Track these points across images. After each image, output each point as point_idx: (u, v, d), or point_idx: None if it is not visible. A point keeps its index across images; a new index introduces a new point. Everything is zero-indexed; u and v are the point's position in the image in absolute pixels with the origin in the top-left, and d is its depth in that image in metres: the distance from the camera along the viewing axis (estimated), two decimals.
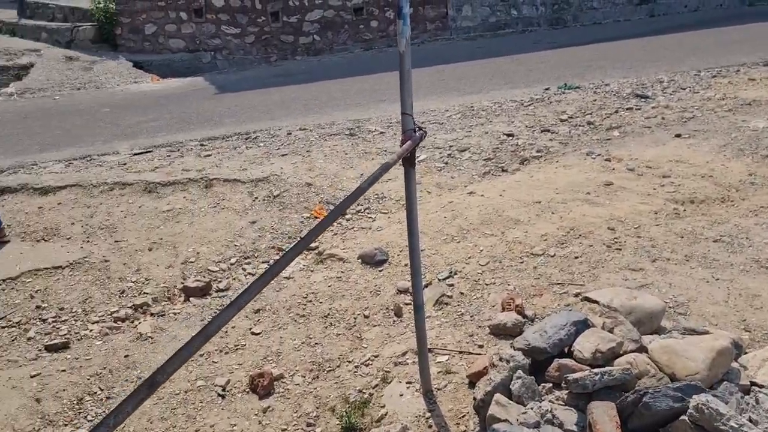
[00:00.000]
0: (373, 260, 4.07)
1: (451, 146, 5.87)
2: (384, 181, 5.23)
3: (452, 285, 3.69)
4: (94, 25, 11.49)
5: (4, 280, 4.16)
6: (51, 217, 4.97)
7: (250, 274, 4.23)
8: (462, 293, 3.62)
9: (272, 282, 3.94)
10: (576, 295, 3.34)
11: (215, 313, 3.79)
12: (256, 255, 4.42)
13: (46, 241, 4.68)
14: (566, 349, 2.58)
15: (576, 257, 3.72)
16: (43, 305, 3.92)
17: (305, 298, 3.84)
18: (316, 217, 4.79)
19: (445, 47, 11.68)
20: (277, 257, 4.40)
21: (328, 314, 3.65)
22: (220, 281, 4.15)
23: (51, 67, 10.61)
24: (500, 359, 2.53)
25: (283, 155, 5.87)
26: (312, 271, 4.17)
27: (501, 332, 3.16)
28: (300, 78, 9.83)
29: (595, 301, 3.10)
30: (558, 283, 3.48)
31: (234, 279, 4.18)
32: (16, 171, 5.99)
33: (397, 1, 2.25)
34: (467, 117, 6.77)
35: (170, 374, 1.46)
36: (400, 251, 4.15)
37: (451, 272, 3.81)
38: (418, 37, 12.34)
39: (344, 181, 5.24)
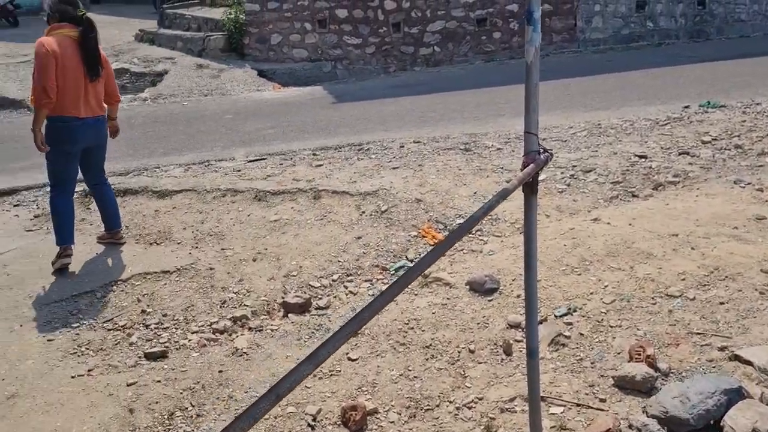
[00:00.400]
0: (482, 288, 3.75)
1: (574, 166, 5.41)
2: None
3: (571, 324, 3.29)
4: (224, 34, 11.94)
5: (115, 282, 4.23)
6: (165, 220, 5.05)
7: (351, 293, 4.03)
8: (582, 334, 3.21)
9: None
10: (721, 350, 2.84)
11: (312, 332, 3.63)
12: (359, 273, 4.22)
13: (158, 244, 4.74)
14: (713, 422, 2.14)
15: (721, 303, 3.21)
16: (148, 310, 3.93)
17: (407, 324, 3.58)
18: (423, 236, 4.54)
19: (571, 60, 11.10)
20: (381, 277, 4.18)
21: (430, 345, 3.37)
22: (320, 298, 3.98)
23: (183, 74, 11.12)
24: (630, 426, 2.13)
25: (394, 168, 5.67)
26: (416, 294, 3.91)
27: (627, 386, 2.74)
28: (417, 89, 9.65)
29: (748, 362, 2.61)
30: (699, 333, 3.00)
31: (335, 297, 4.00)
32: (140, 173, 6.21)
33: (527, 6, 1.94)
34: (594, 135, 6.27)
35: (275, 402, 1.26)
36: (513, 280, 3.79)
37: (569, 309, 3.41)
38: (543, 50, 11.77)
39: (456, 199, 4.94)
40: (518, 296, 3.64)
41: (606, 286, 3.54)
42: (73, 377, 3.33)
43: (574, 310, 3.39)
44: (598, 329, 3.23)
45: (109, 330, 3.76)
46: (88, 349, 3.59)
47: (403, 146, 6.33)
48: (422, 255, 4.33)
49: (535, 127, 2.16)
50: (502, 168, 5.49)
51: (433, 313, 3.64)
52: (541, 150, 2.21)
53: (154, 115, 9.07)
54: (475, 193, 5.04)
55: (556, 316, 3.37)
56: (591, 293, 3.51)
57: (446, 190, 5.11)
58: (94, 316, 3.89)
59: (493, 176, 5.33)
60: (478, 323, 3.47)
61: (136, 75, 11.32)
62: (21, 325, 3.82)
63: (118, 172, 6.22)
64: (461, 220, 4.67)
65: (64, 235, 4.33)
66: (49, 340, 3.67)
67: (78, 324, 3.82)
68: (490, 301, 3.66)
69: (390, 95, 9.39)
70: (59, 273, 4.29)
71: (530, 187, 2.21)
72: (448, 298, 3.76)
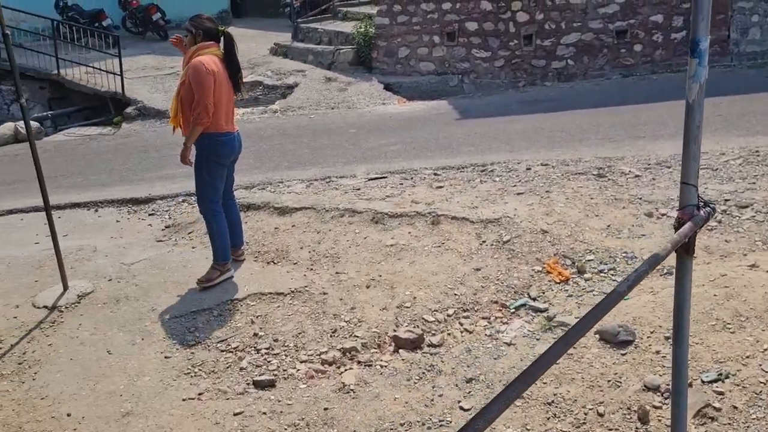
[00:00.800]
0: (614, 339, 3.36)
1: (727, 200, 4.81)
2: (636, 237, 4.44)
3: (722, 393, 2.84)
4: (354, 48, 12.08)
5: (232, 301, 4.24)
6: (284, 239, 5.05)
7: (466, 330, 3.77)
8: (735, 407, 2.76)
9: (490, 346, 3.43)
10: None
11: (423, 373, 3.41)
12: (476, 309, 3.95)
13: (275, 263, 4.73)
14: None
15: None
16: (260, 333, 3.89)
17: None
18: (549, 273, 4.18)
19: (723, 75, 10.11)
20: (500, 315, 3.89)
21: (552, 401, 3.04)
22: (433, 334, 3.76)
23: (311, 87, 11.36)
24: None
25: (518, 194, 5.33)
26: (537, 339, 3.59)
27: None
28: (547, 105, 9.19)
29: None
30: None
31: (449, 334, 3.76)
32: (264, 188, 6.30)
33: (692, 33, 1.61)
34: (751, 164, 5.57)
35: None
36: (652, 332, 3.37)
37: (720, 374, 2.95)
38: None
39: (586, 232, 4.54)
40: (657, 352, 3.22)
41: (766, 350, 3.04)
42: (184, 400, 3.33)
43: (726, 377, 2.93)
44: (755, 403, 2.76)
45: (222, 351, 3.76)
46: (201, 370, 3.60)
47: (529, 169, 5.97)
48: (545, 293, 3.99)
49: (694, 178, 1.82)
50: (640, 198, 5.00)
51: (557, 363, 3.29)
52: (701, 203, 1.86)
53: (282, 128, 9.29)
54: (608, 226, 4.61)
55: (703, 382, 2.92)
56: (747, 357, 3.02)
57: (576, 221, 4.72)
58: (209, 335, 3.91)
59: (629, 207, 4.86)
60: (609, 381, 3.10)
61: (269, 87, 11.70)
62: (142, 339, 3.92)
63: (244, 185, 6.35)
64: (592, 257, 4.27)
65: (227, 252, 4.46)
66: (166, 357, 3.72)
67: (194, 342, 3.85)
68: (623, 355, 3.27)
69: (518, 112, 9.01)
70: (205, 289, 4.34)
71: (686, 248, 1.86)
72: (574, 347, 3.40)
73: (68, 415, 3.26)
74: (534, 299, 3.97)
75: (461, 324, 3.84)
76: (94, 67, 11.43)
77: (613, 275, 4.09)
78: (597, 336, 3.41)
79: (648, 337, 3.33)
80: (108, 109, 11.35)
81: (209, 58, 4.18)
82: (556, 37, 11.16)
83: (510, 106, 9.52)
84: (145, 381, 3.51)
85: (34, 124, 10.41)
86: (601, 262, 4.20)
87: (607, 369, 3.18)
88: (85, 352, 3.81)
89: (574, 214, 4.83)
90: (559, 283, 4.09)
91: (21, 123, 8.86)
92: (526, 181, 5.67)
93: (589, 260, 4.23)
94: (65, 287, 4.45)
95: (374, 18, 11.95)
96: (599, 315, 1.66)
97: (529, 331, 3.67)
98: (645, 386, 2.99)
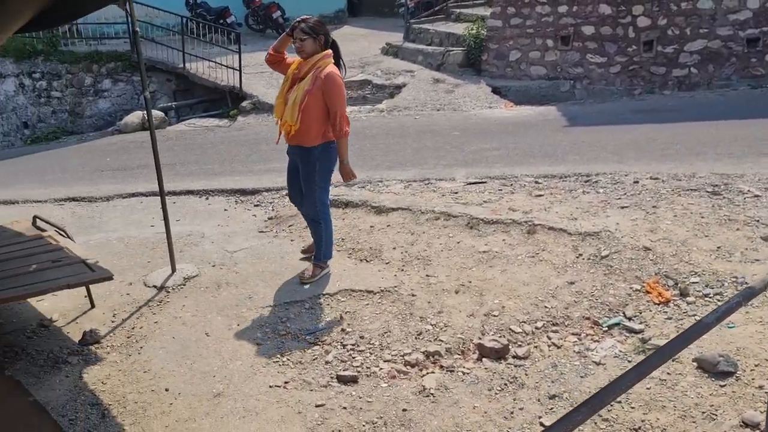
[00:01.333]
0: (714, 369, 3.16)
1: None
2: (749, 262, 4.14)
3: None
4: (464, 50, 12.02)
5: (323, 295, 4.37)
6: (378, 238, 5.13)
7: (554, 345, 3.68)
8: None
9: (577, 363, 3.34)
10: None
11: (505, 384, 3.36)
12: (566, 323, 3.84)
13: (368, 261, 4.82)
14: None
15: None
16: (347, 329, 3.99)
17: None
18: (648, 292, 3.99)
19: None
20: (591, 332, 3.76)
21: (639, 427, 2.91)
22: (519, 346, 3.69)
23: (419, 88, 11.42)
24: None
25: (622, 207, 5.12)
26: (629, 361, 3.44)
27: None
28: (663, 116, 8.73)
29: None
30: None
31: (535, 347, 3.68)
32: (363, 186, 6.42)
33: None
34: None
35: None
36: (756, 365, 3.15)
37: None
38: None
39: (693, 253, 4.28)
40: (760, 387, 3.01)
41: None
42: (270, 386, 3.48)
43: None
44: None
45: (310, 343, 3.88)
46: (288, 359, 3.74)
47: (637, 182, 5.71)
48: (642, 313, 3.82)
49: None
50: (757, 220, 4.65)
51: (648, 388, 3.15)
52: None
53: (387, 127, 9.41)
54: (718, 247, 4.33)
55: None
56: None
57: (683, 240, 4.47)
58: (300, 326, 4.05)
59: (744, 229, 4.54)
60: (704, 412, 2.92)
61: (377, 87, 11.88)
62: (238, 324, 4.12)
63: (345, 183, 6.50)
64: (697, 279, 4.03)
65: (331, 251, 4.63)
66: (258, 344, 3.90)
67: (285, 332, 4.01)
68: (722, 386, 3.07)
69: (630, 121, 8.62)
70: (306, 283, 4.48)
71: None
72: (668, 373, 3.24)
73: (166, 390, 3.49)
74: (629, 319, 3.80)
75: (549, 338, 3.74)
76: (216, 62, 12.08)
77: (719, 300, 3.84)
78: (695, 364, 3.23)
79: (751, 370, 3.11)
80: (226, 102, 11.97)
81: (335, 68, 4.19)
82: (680, 43, 10.58)
83: (623, 114, 9.13)
84: (236, 365, 3.70)
85: (158, 113, 11.19)
86: (706, 286, 3.95)
87: (702, 400, 3.00)
88: (185, 332, 4.06)
89: (681, 232, 4.58)
90: (658, 304, 3.90)
91: None
92: (632, 194, 5.43)
93: (693, 282, 4.00)
94: (173, 269, 4.77)
95: (487, 20, 11.83)
96: (681, 345, 1.59)
97: (620, 351, 3.52)
98: (743, 422, 2.80)
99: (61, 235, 4.56)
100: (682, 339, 1.54)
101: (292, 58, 4.35)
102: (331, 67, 4.14)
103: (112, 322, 4.22)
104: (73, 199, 6.90)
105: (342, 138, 4.21)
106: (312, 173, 4.35)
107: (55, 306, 4.42)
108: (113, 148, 9.97)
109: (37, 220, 4.91)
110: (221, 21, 14.40)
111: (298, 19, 4.16)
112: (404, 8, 14.57)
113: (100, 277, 3.87)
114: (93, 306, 4.39)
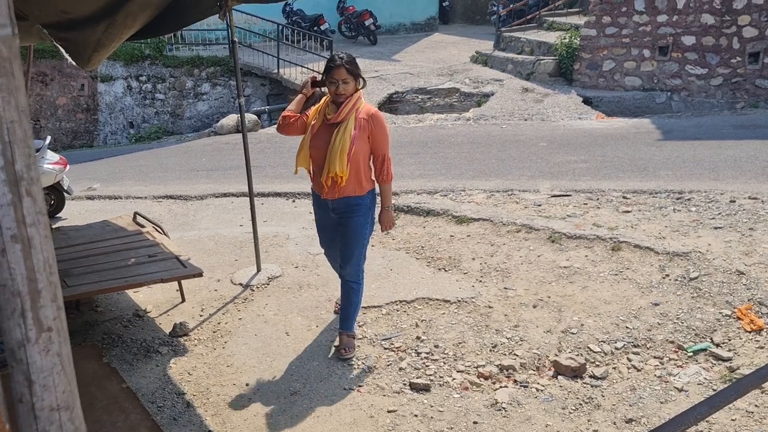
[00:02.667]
0: None
1: None
2: None
3: None
4: (555, 59, 11.82)
5: (401, 302, 4.43)
6: (458, 247, 5.14)
7: (634, 367, 3.57)
8: None
9: (658, 388, 3.24)
10: None
11: (580, 404, 3.30)
12: (648, 346, 3.72)
13: (446, 271, 4.85)
14: None
15: None
16: (422, 337, 4.03)
17: (694, 425, 3.02)
18: (739, 319, 3.80)
19: None
20: (675, 357, 3.63)
21: None
22: (597, 365, 3.61)
23: (507, 97, 11.32)
24: None
25: (716, 228, 4.89)
26: (714, 389, 3.29)
27: None
28: (767, 132, 8.24)
29: None
30: None
31: (614, 368, 3.59)
32: (446, 194, 6.45)
33: None
34: None
35: None
36: None
37: None
38: None
39: None
40: None
41: None
42: (344, 389, 3.57)
43: None
44: None
45: (385, 349, 3.95)
46: (363, 363, 3.82)
47: (734, 201, 5.44)
48: (731, 340, 3.64)
49: None
50: None
51: (733, 420, 3.01)
52: None
53: (472, 136, 9.39)
54: None
55: None
56: None
57: None
58: (376, 331, 4.13)
59: None
60: None
61: (465, 95, 11.88)
62: (317, 326, 4.25)
63: (427, 190, 6.56)
64: None
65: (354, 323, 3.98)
66: (335, 346, 4.01)
67: (361, 336, 4.09)
68: None
69: (730, 136, 8.20)
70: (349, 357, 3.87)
71: None
72: (756, 405, 3.09)
73: (247, 384, 3.66)
74: (717, 345, 3.64)
75: (629, 360, 3.64)
76: (308, 68, 12.44)
77: None
78: None
79: None
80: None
81: (374, 107, 3.72)
82: None
83: (722, 129, 8.69)
84: (314, 365, 3.81)
85: (252, 117, 11.64)
86: None
87: None
88: (267, 330, 4.23)
89: None
90: (750, 332, 3.71)
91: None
92: (727, 214, 5.18)
93: None
94: (258, 269, 4.97)
95: (580, 29, 11.58)
96: (762, 380, 1.53)
97: (705, 379, 3.38)
98: None
99: (158, 231, 4.86)
100: (763, 373, 1.49)
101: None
102: (371, 106, 3.64)
103: (200, 316, 4.45)
104: (170, 197, 7.31)
105: (388, 183, 3.70)
106: (362, 226, 3.70)
107: (150, 298, 4.71)
108: (208, 149, 10.47)
109: (137, 216, 5.25)
110: (315, 28, 14.81)
111: (331, 62, 3.50)
112: (496, 16, 14.49)
113: (191, 274, 4.10)
114: (183, 300, 4.64)
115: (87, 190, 8.01)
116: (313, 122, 3.63)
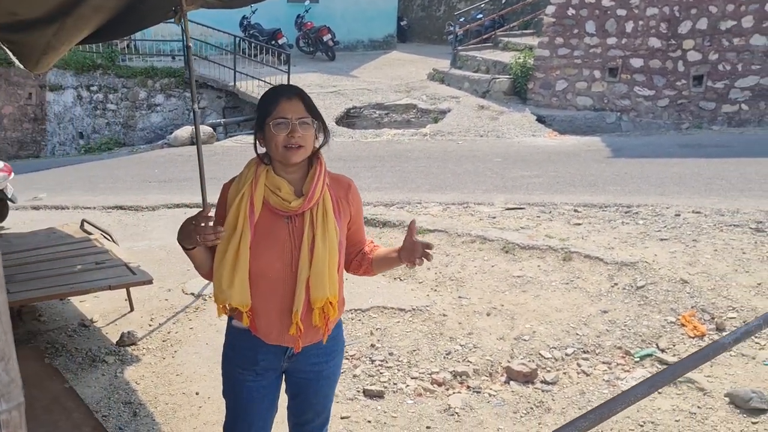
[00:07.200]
0: (746, 405, 3.09)
1: None
2: None
3: None
4: (510, 78, 12.07)
5: (356, 310, 4.42)
6: None
7: (584, 372, 3.64)
8: None
9: (606, 392, 3.30)
10: None
11: (531, 408, 3.34)
12: (597, 352, 3.80)
13: (401, 280, 4.86)
14: None
15: None
16: (377, 345, 4.02)
17: (641, 426, 3.10)
18: (683, 325, 3.92)
19: None
20: (622, 362, 3.71)
21: None
22: (548, 371, 3.66)
23: (463, 114, 11.50)
24: None
25: (662, 240, 5.05)
26: (659, 392, 3.37)
27: None
28: (710, 151, 8.58)
29: None
30: None
31: (564, 373, 3.65)
32: (402, 206, 6.49)
33: None
34: None
35: None
36: None
37: None
38: None
39: (732, 288, 4.20)
40: None
41: None
42: None
43: None
44: None
45: None
46: None
47: (678, 215, 5.63)
48: (675, 346, 3.75)
49: None
50: None
51: (677, 420, 3.09)
52: None
53: (429, 151, 9.49)
54: (759, 284, 4.23)
55: None
56: None
57: (722, 274, 4.38)
58: None
59: None
60: None
61: (422, 111, 12.01)
62: None
63: (384, 202, 6.59)
64: (734, 315, 3.94)
65: None
66: None
67: None
68: (754, 423, 2.99)
69: (676, 155, 8.51)
70: None
71: None
72: (698, 407, 3.17)
73: (197, 393, 3.57)
74: (662, 350, 3.74)
75: (579, 365, 3.71)
76: (265, 81, 12.39)
77: (756, 337, 3.75)
78: (727, 399, 3.16)
79: None
80: None
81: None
82: (731, 79, 10.41)
83: (668, 148, 9.01)
84: None
85: (207, 129, 11.52)
86: (744, 322, 3.85)
87: None
88: (219, 339, 4.11)
89: (721, 267, 4.49)
90: (693, 337, 3.82)
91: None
92: (672, 227, 5.35)
93: (731, 318, 3.91)
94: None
95: (534, 49, 11.88)
96: (691, 366, 1.59)
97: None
98: None
99: (106, 238, 4.74)
100: (695, 359, 1.54)
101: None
102: (334, 172, 2.14)
103: (150, 325, 4.34)
104: (121, 208, 7.15)
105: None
106: (338, 370, 2.32)
107: (96, 307, 4.58)
108: (162, 160, 10.30)
109: (85, 223, 5.12)
110: (273, 42, 14.79)
111: (279, 92, 2.00)
112: (452, 35, 14.73)
113: (141, 281, 4.01)
114: (132, 309, 4.52)
115: (32, 199, 7.76)
116: (240, 215, 2.00)
